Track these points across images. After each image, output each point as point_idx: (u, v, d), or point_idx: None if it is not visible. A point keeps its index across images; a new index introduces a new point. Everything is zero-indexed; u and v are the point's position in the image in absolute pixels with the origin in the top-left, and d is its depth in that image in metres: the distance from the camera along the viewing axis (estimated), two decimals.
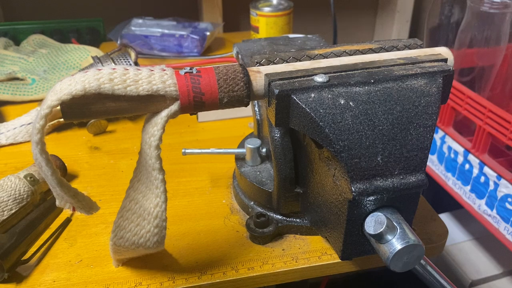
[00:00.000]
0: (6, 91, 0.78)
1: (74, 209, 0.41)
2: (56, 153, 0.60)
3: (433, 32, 0.94)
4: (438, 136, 0.82)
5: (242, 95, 0.35)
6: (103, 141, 0.67)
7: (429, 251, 0.49)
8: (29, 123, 0.68)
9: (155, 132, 0.35)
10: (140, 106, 0.34)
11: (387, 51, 0.42)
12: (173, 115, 0.35)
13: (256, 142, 0.53)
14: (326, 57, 0.41)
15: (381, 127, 0.36)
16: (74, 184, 0.59)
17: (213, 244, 0.49)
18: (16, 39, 0.94)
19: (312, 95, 0.36)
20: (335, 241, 0.42)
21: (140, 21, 1.00)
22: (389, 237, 0.36)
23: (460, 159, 0.77)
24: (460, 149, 0.77)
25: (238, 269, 0.46)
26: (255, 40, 0.54)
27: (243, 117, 0.74)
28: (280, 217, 0.50)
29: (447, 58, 0.40)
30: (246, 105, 0.37)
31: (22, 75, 0.80)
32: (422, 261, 0.38)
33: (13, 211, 0.49)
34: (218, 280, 0.45)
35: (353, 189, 0.36)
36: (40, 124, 0.33)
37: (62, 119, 0.62)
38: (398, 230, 0.36)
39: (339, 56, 0.41)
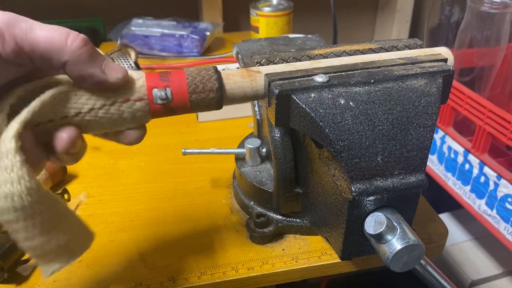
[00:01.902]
0: None
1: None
2: None
3: (433, 32, 0.94)
4: (438, 136, 0.82)
5: (212, 104, 0.35)
6: (103, 141, 0.67)
7: (429, 251, 0.49)
8: None
9: None
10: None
11: (387, 51, 0.42)
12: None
13: (256, 142, 0.53)
14: (326, 57, 0.41)
15: (381, 127, 0.36)
16: (74, 184, 0.59)
17: (213, 244, 0.49)
18: None
19: (312, 95, 0.36)
20: (335, 241, 0.42)
21: (140, 21, 1.00)
22: (389, 237, 0.36)
23: (460, 159, 0.77)
24: (460, 149, 0.77)
25: (238, 269, 0.46)
26: (255, 40, 0.54)
27: (243, 117, 0.74)
28: (280, 217, 0.50)
29: (447, 58, 0.40)
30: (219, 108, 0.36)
31: None
32: (422, 261, 0.38)
33: None
34: (218, 280, 0.45)
35: (353, 189, 0.36)
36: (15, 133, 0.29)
37: None
38: (398, 230, 0.36)
39: (339, 56, 0.41)
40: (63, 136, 0.30)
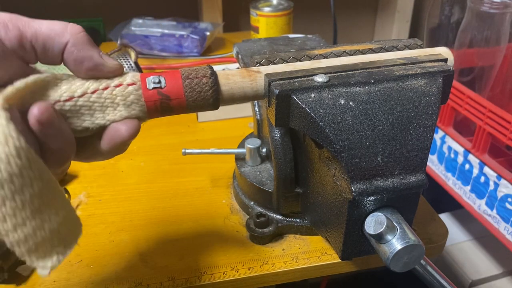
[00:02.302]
0: None
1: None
2: None
3: (433, 32, 0.94)
4: (438, 136, 0.82)
5: (208, 103, 0.35)
6: None
7: (429, 251, 0.49)
8: None
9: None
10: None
11: (387, 51, 0.42)
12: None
13: (256, 142, 0.53)
14: (326, 57, 0.41)
15: (381, 127, 0.36)
16: (74, 184, 0.59)
17: (213, 244, 0.49)
18: None
19: (312, 95, 0.36)
20: (335, 241, 0.42)
21: (140, 21, 1.00)
22: (389, 237, 0.36)
23: (460, 159, 0.77)
24: (460, 149, 0.77)
25: (238, 269, 0.46)
26: (255, 40, 0.54)
27: (243, 117, 0.74)
28: (280, 217, 0.50)
29: (447, 58, 0.40)
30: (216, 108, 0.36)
31: None
32: (422, 261, 0.38)
33: None
34: (218, 280, 0.45)
35: (353, 189, 0.36)
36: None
37: None
38: (398, 230, 0.36)
39: (339, 56, 0.41)
40: (33, 110, 0.28)
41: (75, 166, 0.61)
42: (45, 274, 0.27)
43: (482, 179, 0.73)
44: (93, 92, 0.31)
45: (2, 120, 0.24)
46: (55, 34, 0.30)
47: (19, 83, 0.28)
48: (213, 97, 0.35)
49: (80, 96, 0.31)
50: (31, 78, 0.29)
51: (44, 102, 0.29)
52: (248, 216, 0.52)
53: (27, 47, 0.30)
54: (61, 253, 0.28)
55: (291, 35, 0.58)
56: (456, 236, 0.95)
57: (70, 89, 0.31)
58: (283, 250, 0.48)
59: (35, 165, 0.26)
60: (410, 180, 0.37)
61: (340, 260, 0.43)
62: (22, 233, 0.26)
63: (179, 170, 0.62)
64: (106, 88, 0.32)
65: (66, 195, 0.53)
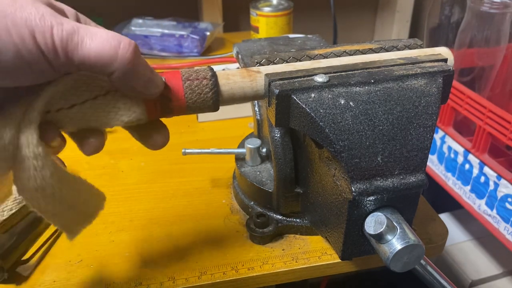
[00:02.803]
0: None
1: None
2: None
3: (433, 32, 0.94)
4: (438, 136, 0.82)
5: (208, 105, 0.35)
6: None
7: (429, 251, 0.49)
8: None
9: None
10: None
11: (387, 51, 0.42)
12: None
13: (256, 142, 0.53)
14: (326, 57, 0.41)
15: (381, 127, 0.36)
16: None
17: (213, 244, 0.49)
18: None
19: (312, 95, 0.36)
20: (335, 241, 0.42)
21: (140, 21, 1.00)
22: (389, 237, 0.36)
23: (460, 159, 0.77)
24: (460, 149, 0.77)
25: (238, 269, 0.46)
26: (255, 40, 0.54)
27: (243, 117, 0.74)
28: (280, 217, 0.50)
29: (447, 58, 0.40)
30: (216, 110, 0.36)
31: None
32: (422, 261, 0.38)
33: (13, 211, 0.49)
34: (218, 280, 0.45)
35: (353, 189, 0.36)
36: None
37: None
38: (398, 230, 0.36)
39: (339, 56, 0.41)
40: (92, 142, 0.34)
41: (75, 166, 0.62)
42: (71, 239, 0.36)
43: (482, 179, 0.73)
44: (95, 98, 0.32)
45: (47, 162, 0.31)
46: (102, 64, 0.28)
47: (46, 94, 0.30)
48: (213, 99, 0.35)
49: (83, 103, 0.31)
50: (42, 103, 0.30)
51: (100, 135, 0.33)
52: (248, 216, 0.52)
53: (73, 70, 0.29)
54: (86, 224, 0.37)
55: (291, 35, 0.58)
56: (456, 236, 0.95)
57: (75, 97, 0.31)
58: (283, 250, 0.48)
59: (67, 182, 0.33)
60: (410, 180, 0.37)
61: (340, 260, 0.43)
62: (59, 220, 0.34)
63: (179, 170, 0.62)
64: (107, 93, 0.32)
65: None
